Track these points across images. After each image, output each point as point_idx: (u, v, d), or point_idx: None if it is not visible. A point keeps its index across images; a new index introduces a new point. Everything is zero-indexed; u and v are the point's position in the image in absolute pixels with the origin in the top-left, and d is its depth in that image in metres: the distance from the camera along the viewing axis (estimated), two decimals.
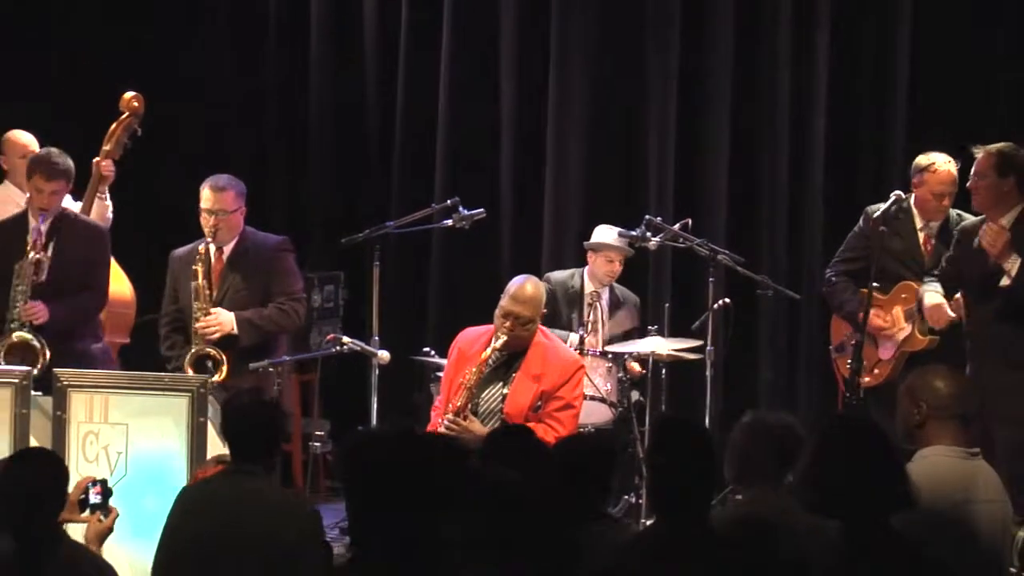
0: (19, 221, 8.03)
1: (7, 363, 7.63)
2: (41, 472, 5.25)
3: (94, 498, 6.16)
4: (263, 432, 5.76)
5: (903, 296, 8.23)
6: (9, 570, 5.04)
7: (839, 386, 8.50)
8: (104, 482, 6.22)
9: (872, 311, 8.14)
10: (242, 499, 5.55)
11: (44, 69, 10.55)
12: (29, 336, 7.68)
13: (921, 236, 8.37)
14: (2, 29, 10.59)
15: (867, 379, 8.24)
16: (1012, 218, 7.71)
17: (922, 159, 8.38)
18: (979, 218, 7.84)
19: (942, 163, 8.30)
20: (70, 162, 7.97)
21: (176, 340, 8.07)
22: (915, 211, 8.40)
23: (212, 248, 8.03)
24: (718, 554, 4.71)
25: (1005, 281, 7.57)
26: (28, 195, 8.68)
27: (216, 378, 7.61)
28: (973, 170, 7.81)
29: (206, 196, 8.04)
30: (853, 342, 8.20)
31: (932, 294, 8.03)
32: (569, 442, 6.27)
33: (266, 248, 8.17)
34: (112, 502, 6.40)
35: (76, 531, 5.94)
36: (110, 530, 6.07)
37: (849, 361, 8.15)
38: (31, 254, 7.77)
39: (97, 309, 8.14)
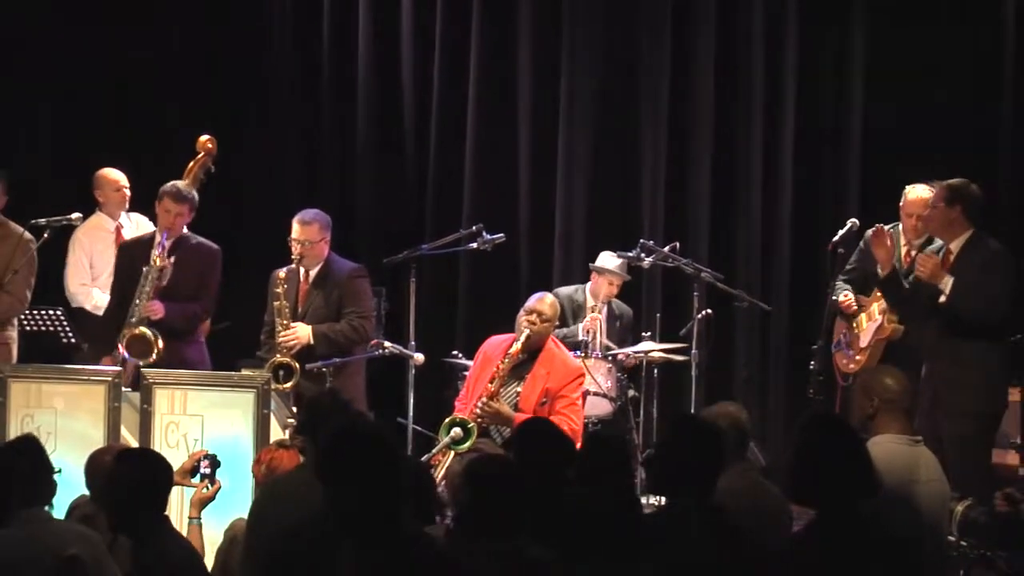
0: (148, 238, 8.09)
1: (128, 351, 7.69)
2: (144, 470, 5.14)
3: (204, 469, 6.25)
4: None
5: (878, 295, 8.20)
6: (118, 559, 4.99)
7: (837, 377, 8.48)
8: (214, 457, 6.28)
9: (845, 294, 8.30)
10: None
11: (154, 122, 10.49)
12: (147, 330, 7.71)
13: (903, 251, 8.31)
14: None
15: (851, 366, 8.27)
16: (960, 243, 7.67)
17: (905, 188, 8.36)
18: (939, 244, 7.84)
19: (911, 191, 8.28)
20: (194, 193, 8.04)
21: (270, 345, 8.05)
22: (900, 233, 8.37)
23: (301, 271, 8.06)
24: (722, 526, 4.70)
25: (942, 299, 7.56)
26: (118, 220, 8.75)
27: (288, 385, 7.61)
28: (931, 199, 7.81)
29: (295, 228, 8.06)
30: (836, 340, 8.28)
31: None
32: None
33: (343, 273, 8.16)
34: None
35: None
36: (212, 499, 6.13)
37: (848, 353, 8.23)
38: (157, 261, 7.81)
39: (204, 317, 8.18)
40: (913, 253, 8.25)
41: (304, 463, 5.68)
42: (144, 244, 8.06)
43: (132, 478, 5.04)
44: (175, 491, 5.93)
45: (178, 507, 6.59)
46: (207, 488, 6.19)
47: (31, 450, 5.33)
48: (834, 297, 8.32)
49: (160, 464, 5.21)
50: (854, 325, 8.33)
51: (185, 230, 8.07)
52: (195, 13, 10.81)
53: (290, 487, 5.46)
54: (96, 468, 5.65)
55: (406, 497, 4.21)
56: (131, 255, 8.07)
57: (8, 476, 5.12)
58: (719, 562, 4.57)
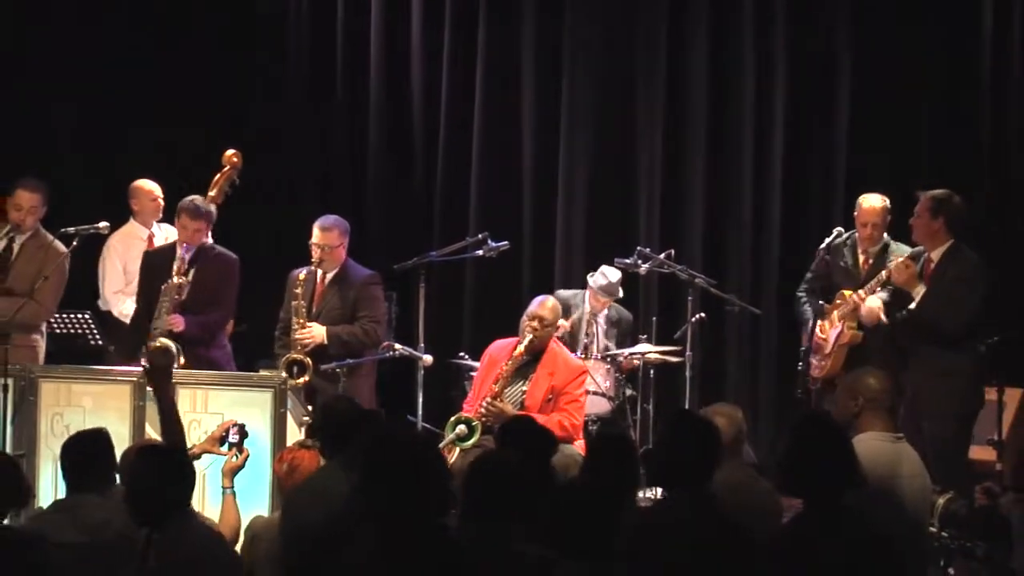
0: (170, 249, 8.07)
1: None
2: (163, 466, 5.06)
3: (232, 437, 6.27)
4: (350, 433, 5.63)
5: (838, 302, 8.20)
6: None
7: (810, 381, 8.48)
8: (242, 426, 6.29)
9: (819, 324, 8.20)
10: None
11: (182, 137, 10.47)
12: (169, 341, 7.70)
13: (861, 259, 8.33)
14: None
15: (817, 371, 8.25)
16: (940, 252, 7.69)
17: (859, 199, 8.38)
18: (918, 248, 7.84)
19: (864, 201, 8.30)
20: (212, 208, 8.02)
21: (284, 342, 8.04)
22: (857, 240, 8.40)
23: (319, 273, 8.05)
24: (716, 517, 4.70)
25: (911, 306, 7.58)
26: (151, 229, 8.74)
27: (301, 380, 7.60)
28: (916, 208, 7.79)
29: (316, 232, 8.05)
30: (804, 347, 8.27)
31: (873, 299, 8.02)
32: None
33: (359, 279, 8.16)
34: (210, 469, 6.46)
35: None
36: (241, 467, 6.14)
37: (807, 360, 8.21)
38: (176, 278, 7.80)
39: (223, 323, 8.15)
40: (871, 261, 8.26)
41: (326, 464, 5.66)
42: (166, 253, 8.05)
43: (152, 473, 4.98)
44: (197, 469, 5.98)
45: (200, 486, 6.60)
46: (236, 457, 6.18)
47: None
48: (816, 331, 8.28)
49: (174, 460, 5.14)
50: (817, 335, 8.29)
51: (209, 239, 8.05)
52: (220, 36, 10.80)
53: (317, 488, 5.46)
54: (128, 464, 5.61)
55: (444, 503, 4.20)
56: (153, 264, 8.06)
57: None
58: (713, 551, 4.56)
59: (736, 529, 4.66)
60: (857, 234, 8.36)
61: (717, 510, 4.69)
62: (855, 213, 8.37)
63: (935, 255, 7.71)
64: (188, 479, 5.04)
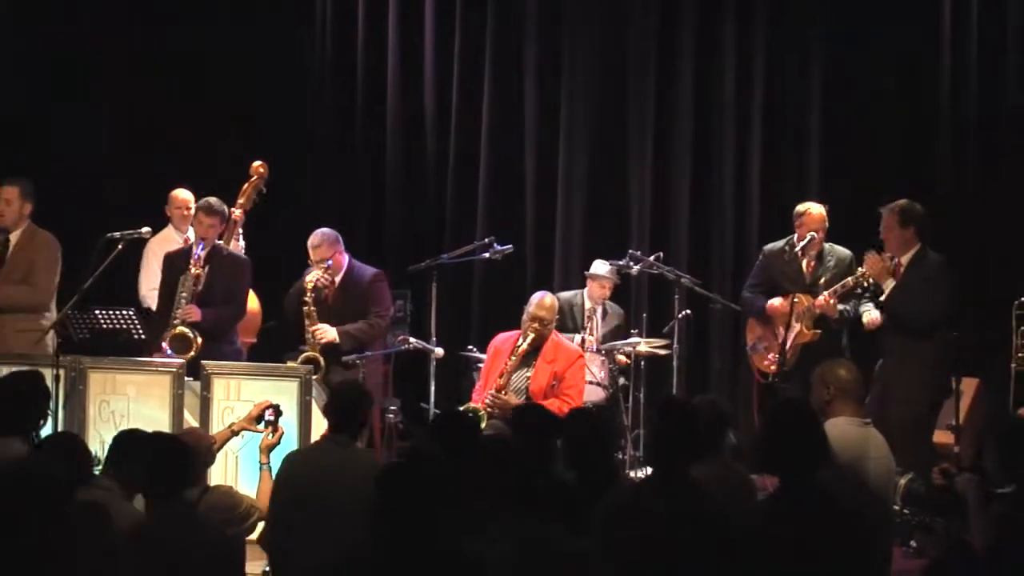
0: (187, 249, 8.08)
1: (172, 348, 7.69)
2: (169, 452, 4.95)
3: (268, 416, 6.25)
4: (357, 415, 5.69)
5: (795, 300, 8.07)
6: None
7: (755, 375, 8.47)
8: (277, 407, 6.29)
9: (781, 302, 8.14)
10: (337, 462, 5.48)
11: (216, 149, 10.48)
12: (186, 329, 7.72)
13: (804, 263, 8.27)
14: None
15: (772, 367, 8.19)
16: (909, 257, 7.71)
17: (800, 207, 8.26)
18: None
19: (813, 209, 8.20)
20: (225, 207, 8.04)
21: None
22: (796, 243, 8.23)
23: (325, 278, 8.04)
24: (697, 494, 4.70)
25: (882, 297, 7.58)
26: (186, 234, 8.76)
27: (315, 377, 7.62)
28: (883, 224, 7.76)
29: (310, 252, 8.07)
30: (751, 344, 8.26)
31: (868, 313, 7.99)
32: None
33: (365, 278, 8.17)
34: (243, 451, 6.46)
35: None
36: (277, 444, 6.13)
37: (768, 356, 8.20)
38: (192, 269, 7.81)
39: (236, 319, 8.12)
40: (812, 263, 8.19)
41: (324, 439, 5.71)
42: (184, 254, 8.07)
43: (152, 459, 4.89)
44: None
45: (222, 461, 6.71)
46: (271, 435, 6.19)
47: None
48: (768, 303, 8.22)
49: (165, 444, 5.02)
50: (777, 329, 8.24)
51: (219, 242, 8.06)
52: (251, 52, 10.81)
53: (309, 455, 5.68)
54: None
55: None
56: (173, 262, 8.08)
57: None
58: (692, 526, 4.56)
59: (712, 505, 4.66)
60: (799, 238, 8.19)
61: (696, 492, 4.69)
62: (798, 221, 8.21)
63: (904, 259, 7.71)
64: (183, 463, 4.89)
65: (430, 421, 5.94)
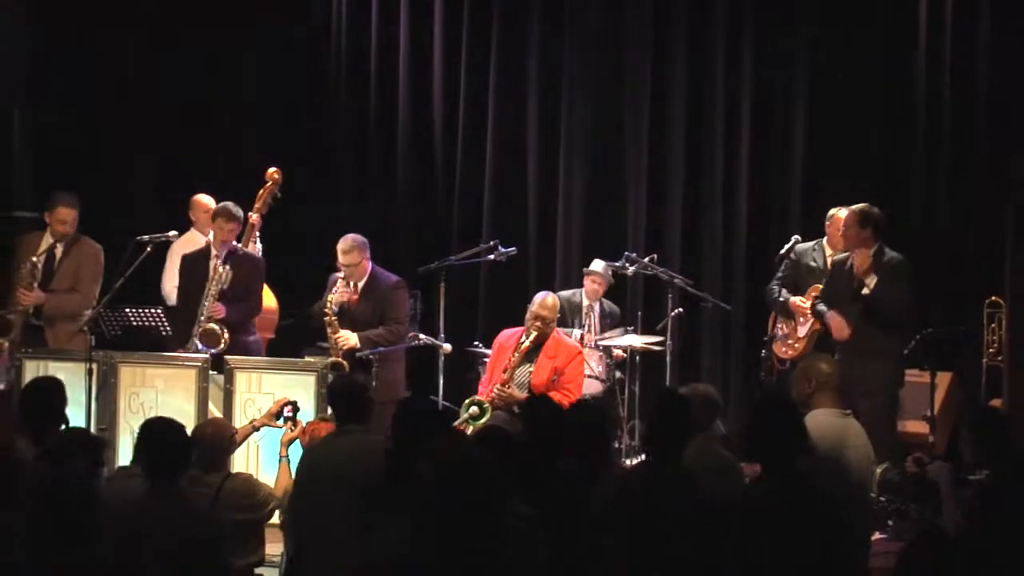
0: (204, 251, 8.11)
1: (202, 342, 7.73)
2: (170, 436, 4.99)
3: (287, 413, 6.26)
4: (357, 402, 5.70)
5: (813, 295, 8.21)
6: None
7: (775, 362, 8.50)
8: (295, 403, 6.30)
9: (799, 298, 8.26)
10: (349, 448, 5.52)
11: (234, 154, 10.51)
12: (215, 326, 7.75)
13: (829, 261, 8.34)
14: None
15: (789, 352, 8.30)
16: (869, 254, 7.74)
17: (830, 211, 8.46)
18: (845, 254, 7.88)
19: (840, 212, 8.31)
20: (241, 212, 8.05)
21: (320, 316, 8.05)
22: (825, 245, 8.42)
23: (351, 284, 8.04)
24: (687, 481, 4.72)
25: (866, 291, 7.62)
26: (209, 236, 8.80)
27: None
28: (844, 222, 7.85)
29: (339, 256, 8.04)
30: (770, 335, 8.30)
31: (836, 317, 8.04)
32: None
33: (386, 285, 8.13)
34: (263, 440, 6.47)
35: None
36: (296, 438, 6.14)
37: (770, 347, 8.25)
38: (219, 268, 7.84)
39: (254, 313, 8.14)
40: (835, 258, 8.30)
41: (336, 431, 5.74)
42: (201, 255, 8.08)
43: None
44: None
45: (244, 452, 6.73)
46: (290, 430, 6.22)
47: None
48: (789, 299, 8.31)
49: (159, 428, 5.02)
50: (796, 305, 8.32)
51: (236, 243, 8.07)
52: (270, 66, 10.85)
53: (327, 448, 5.67)
54: (198, 438, 5.57)
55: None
56: (190, 263, 8.11)
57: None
58: (686, 506, 4.59)
59: (702, 489, 4.69)
60: (828, 239, 8.42)
61: (686, 476, 4.73)
62: (827, 222, 8.43)
63: (862, 257, 7.74)
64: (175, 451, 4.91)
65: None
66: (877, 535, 6.91)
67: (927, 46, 9.77)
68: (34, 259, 8.19)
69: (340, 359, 7.81)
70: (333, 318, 7.95)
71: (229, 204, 8.00)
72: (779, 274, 8.60)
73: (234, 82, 10.75)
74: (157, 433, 4.96)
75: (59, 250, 8.24)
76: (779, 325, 8.51)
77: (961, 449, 5.42)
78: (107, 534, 4.21)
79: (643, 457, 6.74)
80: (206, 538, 4.74)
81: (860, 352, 7.60)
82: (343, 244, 8.04)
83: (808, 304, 8.22)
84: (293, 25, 10.89)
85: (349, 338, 7.93)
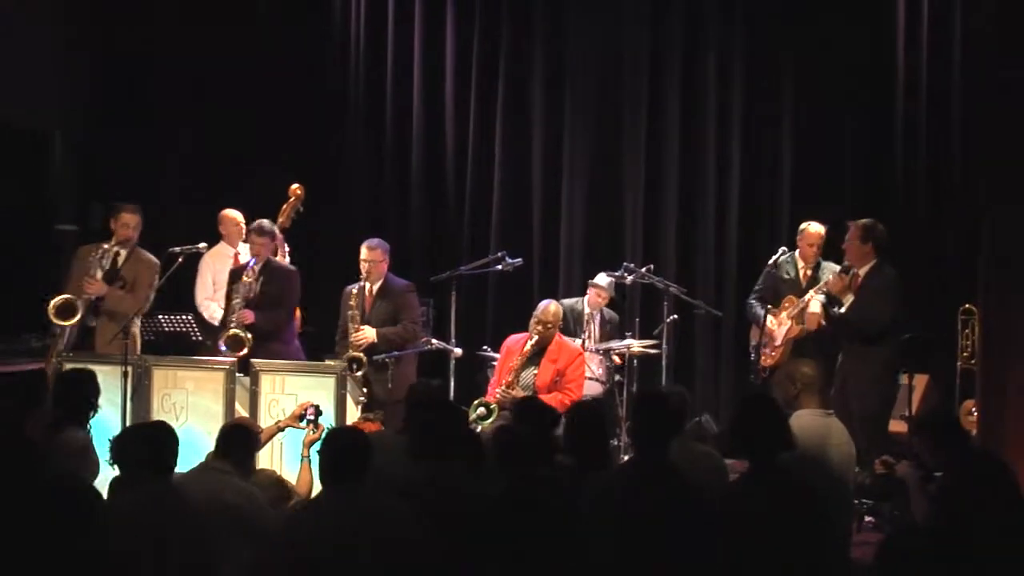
0: (244, 265, 8.17)
1: (226, 346, 7.75)
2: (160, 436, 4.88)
3: (309, 415, 6.28)
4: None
5: (786, 306, 8.26)
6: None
7: (759, 370, 8.51)
8: (317, 407, 6.33)
9: (770, 319, 8.22)
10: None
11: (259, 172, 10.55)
12: (240, 331, 7.78)
13: (801, 273, 8.39)
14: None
15: (768, 360, 8.29)
16: (867, 269, 7.76)
17: (801, 225, 8.47)
18: (846, 265, 7.89)
19: (810, 227, 8.36)
20: (275, 228, 8.19)
21: (344, 344, 8.09)
22: (798, 258, 8.45)
23: (367, 286, 8.11)
24: (673, 477, 4.74)
25: (841, 310, 7.66)
26: (236, 249, 8.85)
27: (358, 374, 7.64)
28: (847, 236, 7.86)
29: (364, 251, 8.14)
30: (755, 343, 8.30)
31: (815, 302, 8.07)
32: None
33: (399, 288, 8.22)
34: (286, 439, 6.47)
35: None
36: (318, 439, 6.09)
37: (758, 352, 8.25)
38: (246, 279, 7.90)
39: (287, 321, 8.17)
40: (809, 273, 8.33)
41: (384, 430, 5.85)
42: (241, 268, 8.18)
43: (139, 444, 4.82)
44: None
45: (270, 451, 6.73)
46: (312, 431, 6.24)
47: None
48: (768, 325, 8.30)
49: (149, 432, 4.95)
50: (769, 327, 8.32)
51: (273, 258, 8.15)
52: (291, 84, 10.86)
53: (383, 442, 5.56)
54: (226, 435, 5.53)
55: None
56: (233, 275, 8.20)
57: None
58: (672, 500, 4.60)
59: (687, 485, 4.70)
60: (800, 252, 8.43)
61: (673, 472, 4.74)
62: (799, 236, 8.44)
63: (862, 271, 7.76)
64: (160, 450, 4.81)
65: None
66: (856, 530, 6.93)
67: (905, 62, 9.81)
68: (99, 252, 8.12)
69: (359, 355, 7.84)
70: (355, 313, 8.02)
71: (264, 221, 8.13)
72: (757, 287, 8.61)
73: (256, 100, 10.78)
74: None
75: (122, 255, 8.23)
76: (757, 337, 8.50)
77: (919, 454, 5.45)
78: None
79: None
80: (199, 535, 4.63)
81: (854, 359, 7.64)
82: (369, 242, 8.19)
83: (775, 328, 8.23)
84: (313, 48, 10.94)
85: (367, 334, 7.98)
